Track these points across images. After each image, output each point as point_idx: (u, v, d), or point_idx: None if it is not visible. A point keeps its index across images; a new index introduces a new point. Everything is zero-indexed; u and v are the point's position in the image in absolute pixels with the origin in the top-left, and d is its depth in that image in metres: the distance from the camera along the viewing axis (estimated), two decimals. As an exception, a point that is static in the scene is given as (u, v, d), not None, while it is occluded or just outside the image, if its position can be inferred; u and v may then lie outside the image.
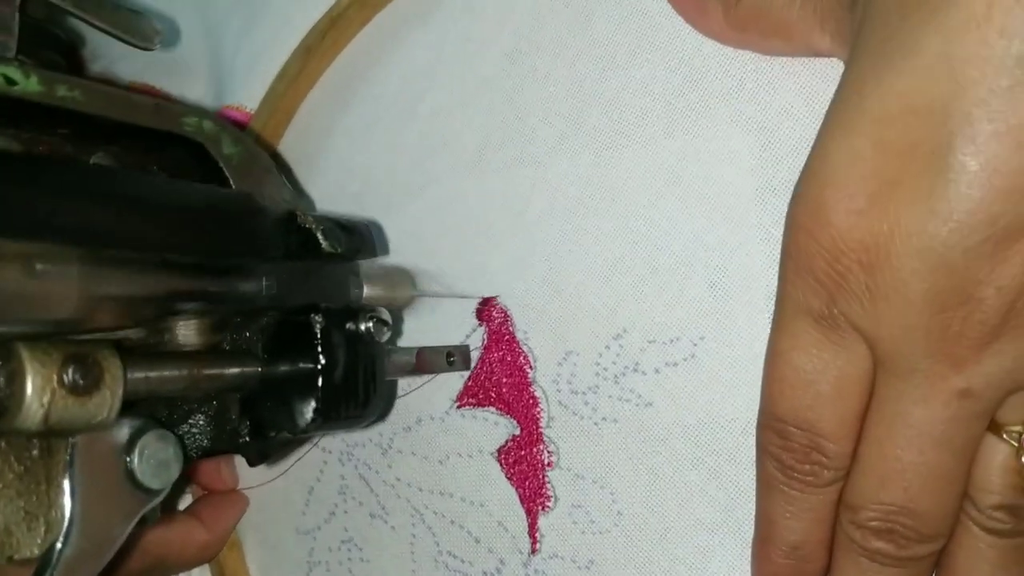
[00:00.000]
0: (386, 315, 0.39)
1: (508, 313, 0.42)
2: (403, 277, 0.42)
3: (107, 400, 0.31)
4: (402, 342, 0.45)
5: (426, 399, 0.44)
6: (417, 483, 0.45)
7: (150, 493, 0.33)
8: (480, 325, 0.43)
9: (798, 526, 0.33)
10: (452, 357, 0.42)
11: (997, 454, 0.30)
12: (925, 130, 0.27)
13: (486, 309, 0.42)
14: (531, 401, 0.41)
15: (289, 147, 0.48)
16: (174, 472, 0.33)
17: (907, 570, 0.32)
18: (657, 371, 0.39)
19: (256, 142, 0.47)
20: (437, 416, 0.44)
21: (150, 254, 0.33)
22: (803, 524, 0.33)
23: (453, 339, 0.43)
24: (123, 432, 0.32)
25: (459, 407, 0.43)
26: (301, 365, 0.37)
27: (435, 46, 0.44)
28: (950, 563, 0.32)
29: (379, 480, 0.46)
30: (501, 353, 0.42)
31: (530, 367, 0.42)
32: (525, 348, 0.42)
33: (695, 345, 0.38)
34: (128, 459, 0.32)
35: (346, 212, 0.46)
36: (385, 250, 0.45)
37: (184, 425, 0.38)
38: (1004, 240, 0.26)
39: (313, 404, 0.36)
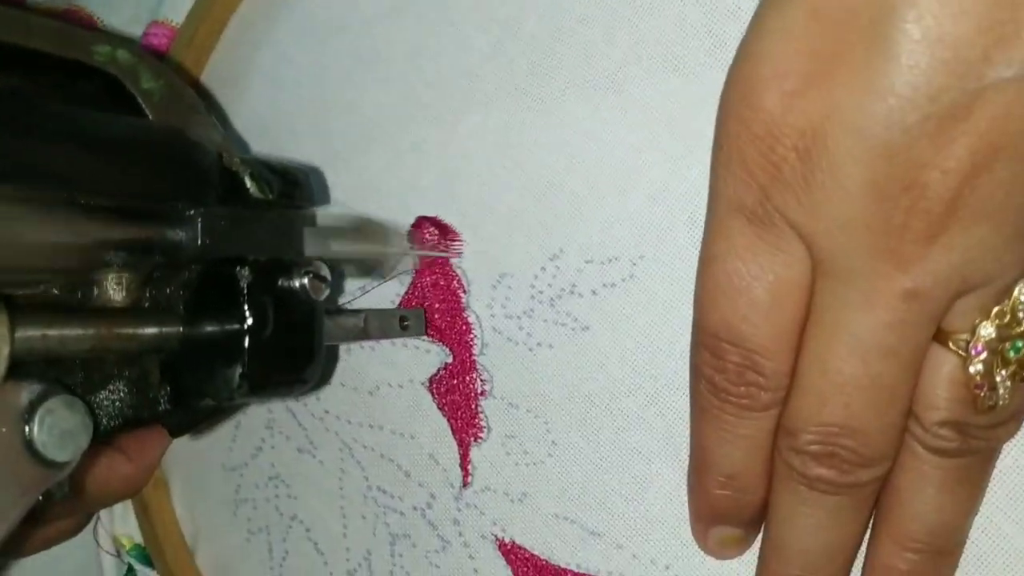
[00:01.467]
0: (324, 271, 0.35)
1: (441, 235, 0.40)
2: (369, 231, 0.39)
3: None
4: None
5: (356, 327, 0.42)
6: (346, 415, 0.42)
7: (53, 467, 0.29)
8: (412, 248, 0.40)
9: (734, 454, 0.31)
10: (406, 321, 0.39)
11: (943, 366, 0.28)
12: None
13: (419, 231, 0.40)
14: (464, 327, 0.39)
15: (217, 64, 0.46)
16: (82, 442, 0.30)
17: (849, 498, 0.30)
18: (594, 293, 0.36)
19: (179, 67, 0.45)
20: (367, 344, 0.42)
21: (65, 194, 0.30)
22: (739, 452, 0.31)
23: (383, 262, 0.41)
24: (21, 398, 0.29)
25: (390, 334, 0.41)
26: (226, 325, 0.33)
27: (368, -48, 0.42)
28: (893, 489, 0.30)
29: (307, 413, 0.43)
30: (434, 277, 0.40)
31: (463, 291, 0.39)
32: (458, 271, 0.39)
33: (634, 265, 0.36)
34: (27, 428, 0.29)
35: (275, 131, 0.44)
36: (326, 198, 0.43)
37: (103, 392, 0.34)
38: (948, 118, 0.24)
39: (239, 369, 0.33)
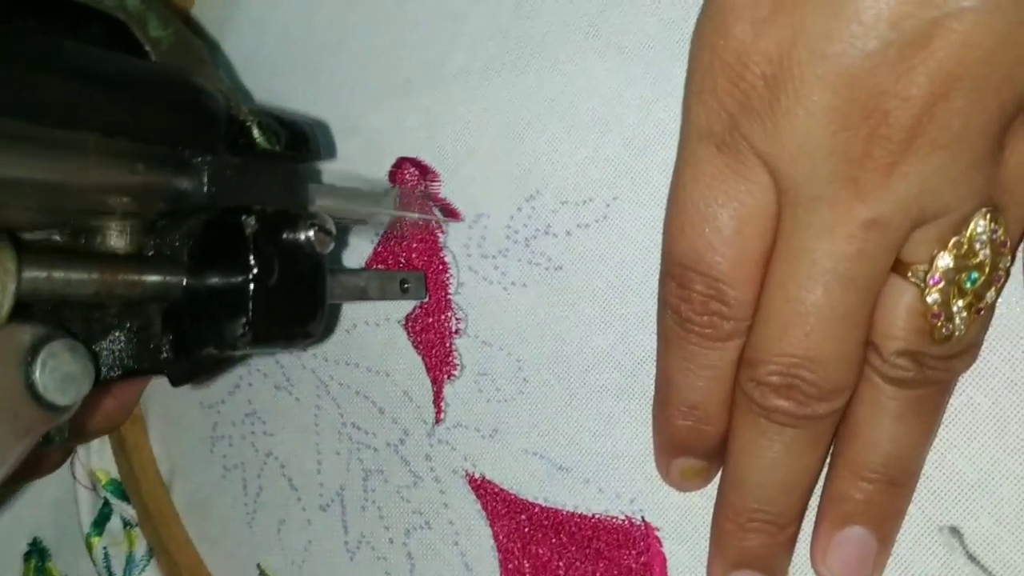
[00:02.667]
0: (330, 224, 0.35)
1: (421, 176, 0.40)
2: (364, 192, 0.39)
3: None
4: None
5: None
6: (323, 353, 0.43)
7: (55, 410, 0.29)
8: (393, 187, 0.41)
9: (697, 384, 0.32)
10: (407, 284, 0.39)
11: (901, 296, 0.28)
12: None
13: (399, 171, 0.41)
14: (440, 266, 0.40)
15: (204, 6, 0.46)
16: (84, 387, 0.30)
17: (806, 431, 0.30)
18: (568, 233, 0.37)
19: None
20: (345, 283, 0.42)
21: (74, 133, 0.30)
22: (702, 383, 0.32)
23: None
24: (24, 340, 0.28)
25: (368, 273, 0.42)
26: (230, 273, 0.33)
27: None
28: (850, 421, 0.31)
29: (285, 350, 0.44)
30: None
31: (441, 231, 0.40)
32: (437, 212, 0.40)
33: (608, 206, 0.36)
34: (29, 370, 0.28)
35: (261, 72, 0.45)
36: (331, 153, 0.43)
37: (103, 342, 0.35)
38: (909, 46, 0.25)
39: (243, 318, 0.32)
